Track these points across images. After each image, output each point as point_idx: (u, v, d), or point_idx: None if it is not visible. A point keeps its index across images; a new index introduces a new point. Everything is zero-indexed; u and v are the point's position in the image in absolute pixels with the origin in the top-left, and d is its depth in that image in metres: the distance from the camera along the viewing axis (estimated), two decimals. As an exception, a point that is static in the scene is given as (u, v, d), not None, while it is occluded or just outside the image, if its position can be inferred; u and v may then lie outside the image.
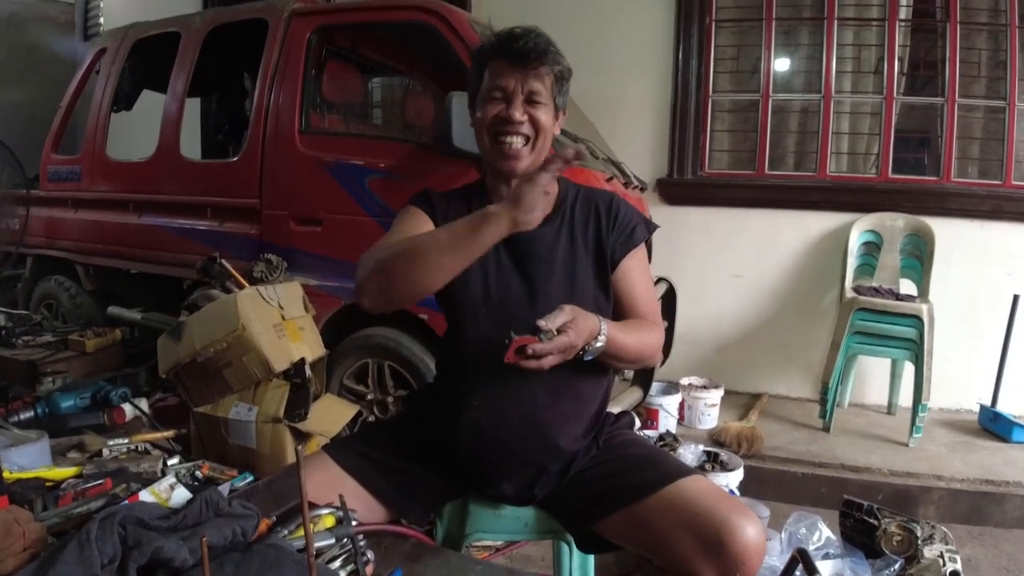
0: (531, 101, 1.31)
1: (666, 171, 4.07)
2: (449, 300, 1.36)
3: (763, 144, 3.98)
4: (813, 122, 3.98)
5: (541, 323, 1.10)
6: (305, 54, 2.97)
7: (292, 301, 2.52)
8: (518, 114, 1.30)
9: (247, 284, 2.59)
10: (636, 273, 1.39)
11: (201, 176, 3.35)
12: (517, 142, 1.32)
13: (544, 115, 1.32)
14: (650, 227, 1.46)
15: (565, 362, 1.26)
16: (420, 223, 1.37)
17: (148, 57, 3.75)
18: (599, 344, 1.19)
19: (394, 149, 2.81)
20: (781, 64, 4.12)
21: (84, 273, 3.81)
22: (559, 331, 1.12)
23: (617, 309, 1.39)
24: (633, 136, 4.00)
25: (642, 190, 3.52)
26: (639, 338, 1.30)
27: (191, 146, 3.96)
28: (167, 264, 3.35)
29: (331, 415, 2.45)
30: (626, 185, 3.12)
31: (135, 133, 3.78)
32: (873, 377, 3.77)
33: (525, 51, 1.29)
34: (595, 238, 1.38)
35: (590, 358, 1.20)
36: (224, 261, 2.65)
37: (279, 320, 2.39)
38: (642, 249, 1.42)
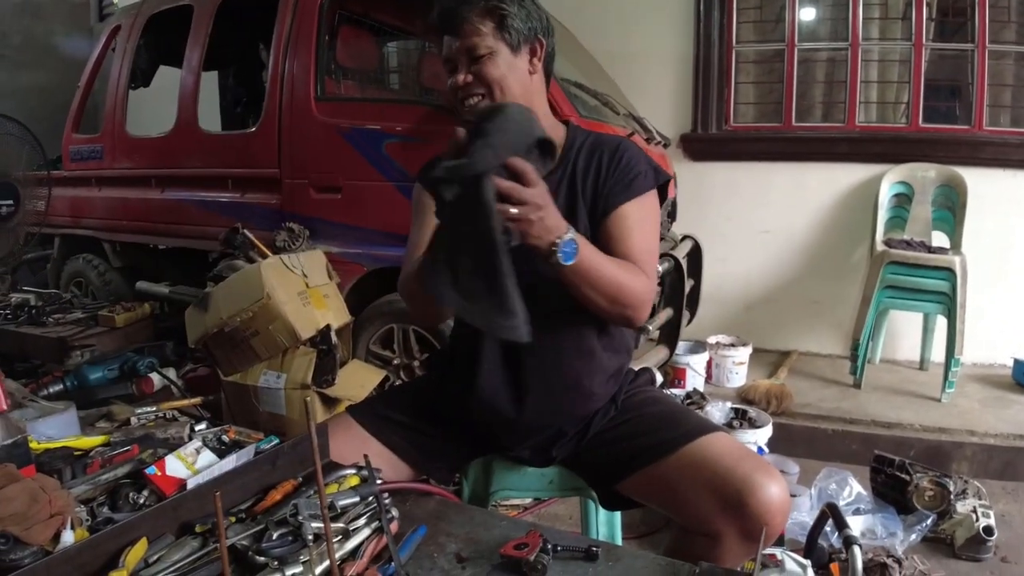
0: (475, 58, 1.24)
1: (690, 126, 3.98)
2: None
3: (789, 95, 3.86)
4: (840, 71, 3.85)
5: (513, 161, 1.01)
6: (318, 20, 2.94)
7: (316, 269, 2.54)
8: (461, 77, 1.25)
9: (270, 254, 2.62)
10: (632, 221, 1.27)
11: (221, 148, 3.36)
12: (473, 101, 1.26)
13: (491, 67, 1.24)
14: (659, 176, 1.33)
15: (579, 321, 1.26)
16: (424, 211, 1.33)
17: (163, 32, 3.75)
18: (568, 237, 1.08)
19: (410, 112, 2.79)
20: (806, 12, 3.98)
21: (111, 250, 3.87)
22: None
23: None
24: (655, 90, 3.90)
25: (665, 146, 3.46)
26: (617, 273, 1.18)
27: (211, 120, 3.97)
28: (192, 237, 3.39)
29: (358, 380, 2.48)
30: (648, 140, 3.07)
31: (154, 109, 3.80)
32: (905, 332, 3.69)
33: (446, 13, 1.25)
34: (593, 186, 1.30)
35: (565, 260, 1.08)
36: (247, 232, 2.67)
37: (303, 288, 2.41)
38: (646, 200, 1.30)
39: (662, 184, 1.35)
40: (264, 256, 2.59)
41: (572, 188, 1.30)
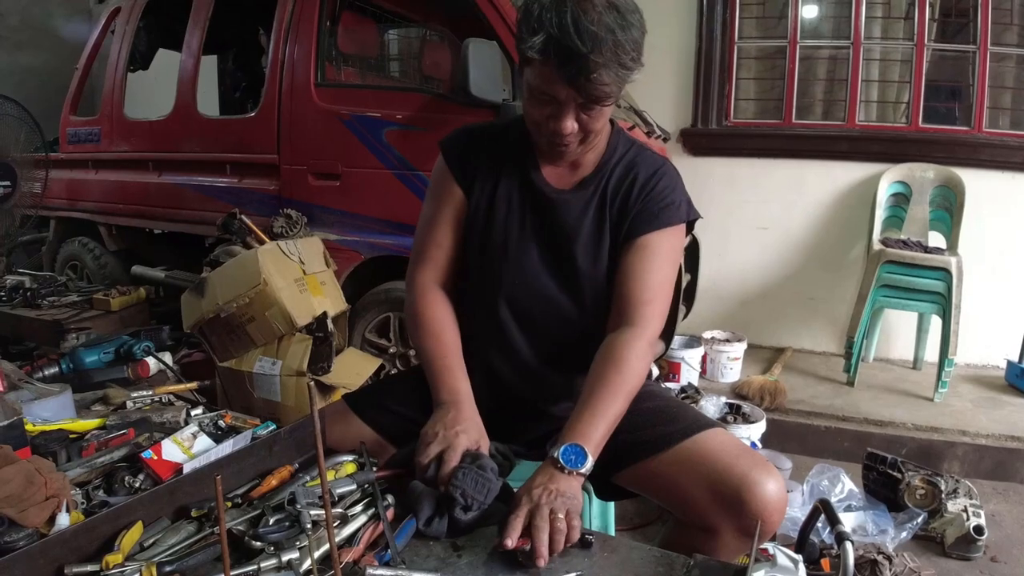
0: (587, 109, 1.13)
1: (690, 121, 3.97)
2: (470, 269, 1.33)
3: (790, 92, 3.86)
4: (842, 70, 3.84)
5: (507, 543, 0.93)
6: (319, 5, 2.92)
7: (313, 256, 2.53)
8: (569, 125, 1.14)
9: (267, 240, 2.61)
10: (649, 253, 1.22)
11: (219, 133, 3.34)
12: (565, 146, 1.19)
13: (600, 121, 1.16)
14: (691, 214, 1.27)
15: (581, 321, 1.29)
16: (449, 199, 1.31)
17: (162, 15, 3.71)
18: (586, 467, 1.05)
19: (410, 100, 2.77)
20: (809, 9, 3.96)
21: (107, 233, 3.84)
22: (535, 516, 0.97)
23: (614, 290, 1.26)
24: (656, 84, 3.88)
25: (665, 140, 3.45)
26: (621, 393, 1.14)
27: (210, 105, 3.94)
28: (188, 222, 3.37)
29: (354, 368, 2.48)
30: (649, 135, 3.06)
31: (152, 92, 3.77)
32: (899, 331, 3.70)
33: (571, 56, 1.05)
34: (620, 206, 1.25)
35: (589, 466, 1.07)
36: (244, 217, 2.65)
37: (300, 275, 2.40)
38: (672, 233, 1.24)
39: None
40: (261, 242, 2.58)
41: (601, 206, 1.26)
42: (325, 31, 2.94)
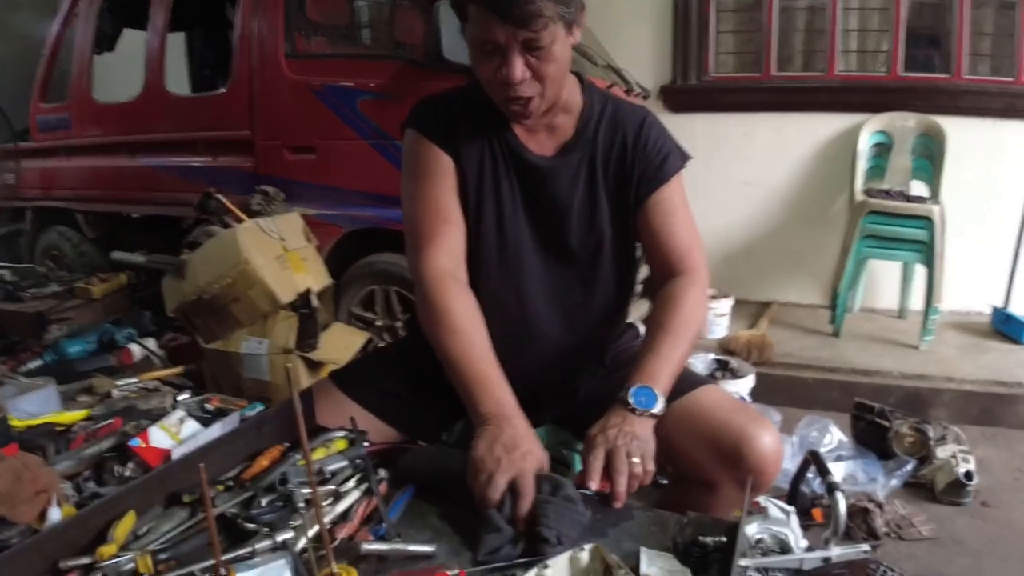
0: (532, 48, 1.06)
1: (669, 77, 3.92)
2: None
3: (769, 44, 3.81)
4: (820, 20, 3.79)
5: (592, 486, 0.96)
6: (285, -26, 2.84)
7: (293, 232, 2.50)
8: (518, 72, 1.07)
9: (246, 218, 2.56)
10: (669, 205, 1.22)
11: (190, 111, 3.28)
12: (521, 101, 1.12)
13: (551, 63, 1.09)
14: (683, 156, 1.27)
15: (576, 305, 1.27)
16: (441, 169, 1.21)
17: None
18: (659, 408, 1.06)
19: (383, 68, 2.71)
20: (786, -42, 3.90)
21: (84, 221, 3.79)
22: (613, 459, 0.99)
23: (649, 252, 1.26)
24: (634, 41, 3.83)
25: (644, 98, 3.41)
26: (685, 336, 1.15)
27: (180, 84, 3.85)
28: (165, 205, 3.32)
29: (342, 343, 2.47)
30: (627, 93, 3.03)
31: (121, 74, 3.67)
32: (884, 281, 3.72)
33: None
34: (617, 173, 1.23)
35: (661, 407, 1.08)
36: (220, 196, 2.61)
37: (281, 252, 2.37)
38: (677, 180, 1.24)
39: None
40: (239, 221, 2.54)
41: (592, 170, 1.23)
42: (292, 1, 2.86)
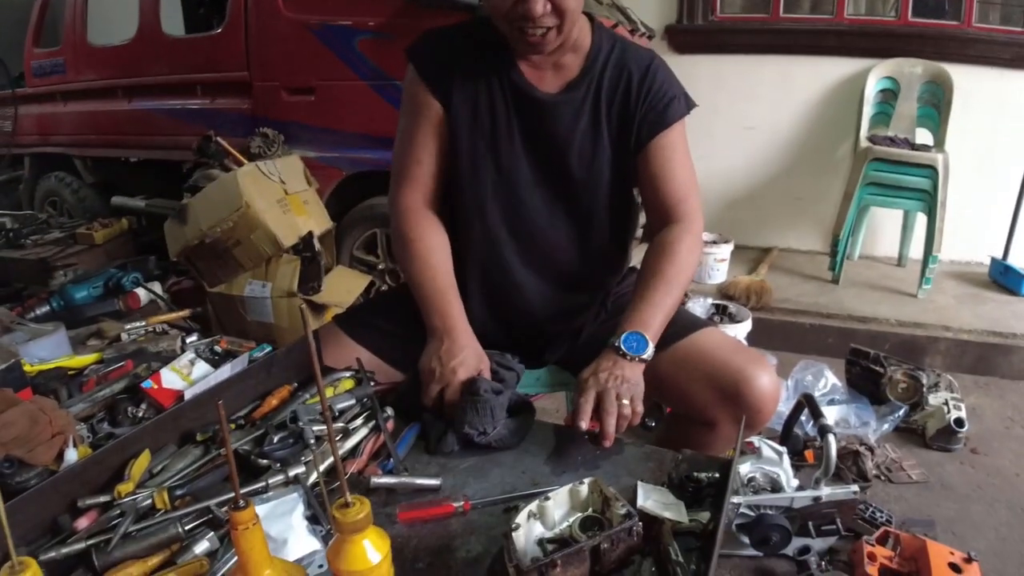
0: None
1: (675, 16, 3.84)
2: (458, 184, 1.27)
3: (777, -16, 3.72)
4: (831, -41, 3.70)
5: (582, 425, 1.01)
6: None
7: (293, 175, 2.49)
8: (539, 7, 1.07)
9: (246, 161, 2.55)
10: (668, 152, 1.23)
11: (186, 52, 3.21)
12: (539, 33, 1.11)
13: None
14: (688, 103, 1.27)
15: (577, 232, 1.28)
16: (426, 112, 1.23)
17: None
18: (648, 353, 1.10)
19: (382, 5, 2.64)
20: None
21: (83, 166, 3.76)
22: (603, 401, 1.03)
23: (646, 196, 1.28)
24: (639, -22, 3.74)
25: (650, 38, 3.35)
26: (676, 284, 1.18)
27: (174, 25, 3.76)
28: (164, 148, 3.29)
29: (344, 286, 2.49)
30: (632, 32, 2.97)
31: (115, 15, 3.59)
32: (884, 229, 3.73)
33: None
34: (620, 113, 1.22)
35: (650, 352, 1.11)
36: (220, 139, 2.59)
37: (282, 195, 2.37)
38: (679, 126, 1.25)
39: None
40: (239, 164, 2.53)
41: (596, 108, 1.23)
42: (289, -64, 2.78)
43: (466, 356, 1.12)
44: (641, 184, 1.27)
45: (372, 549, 0.62)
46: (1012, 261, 3.34)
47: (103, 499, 0.86)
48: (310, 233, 2.32)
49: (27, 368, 1.16)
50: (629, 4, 3.16)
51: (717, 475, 0.90)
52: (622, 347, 1.09)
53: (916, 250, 3.43)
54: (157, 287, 2.15)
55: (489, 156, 1.24)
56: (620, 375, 1.06)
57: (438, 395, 1.09)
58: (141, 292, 2.04)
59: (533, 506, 0.80)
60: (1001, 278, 3.34)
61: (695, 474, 0.90)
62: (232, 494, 0.72)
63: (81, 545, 0.79)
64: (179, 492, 0.87)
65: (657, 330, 1.13)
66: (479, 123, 1.23)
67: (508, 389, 1.10)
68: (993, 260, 3.43)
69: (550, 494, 0.82)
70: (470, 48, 1.24)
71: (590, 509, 0.83)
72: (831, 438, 1.27)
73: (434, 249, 1.25)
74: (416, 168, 1.26)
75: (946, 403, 2.23)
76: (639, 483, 0.89)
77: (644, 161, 1.24)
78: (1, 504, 0.58)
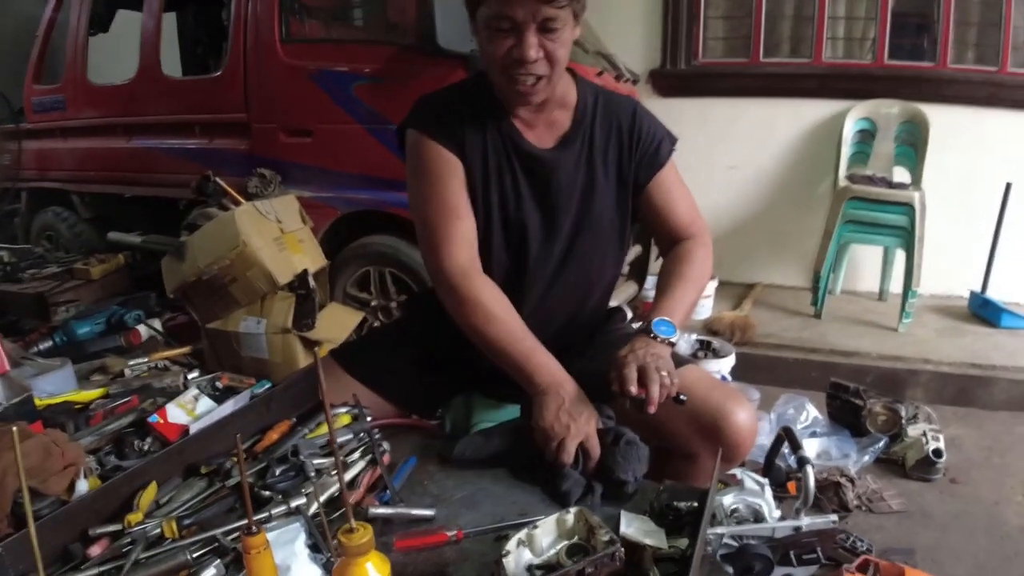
0: (546, 29, 1.13)
1: (659, 61, 3.98)
2: None
3: (757, 30, 3.87)
4: (808, 6, 3.84)
5: (632, 390, 1.10)
6: (280, -43, 2.86)
7: (289, 214, 2.55)
8: (532, 52, 1.12)
9: (243, 200, 2.61)
10: (668, 185, 1.36)
11: (186, 93, 3.29)
12: (530, 80, 1.17)
13: (563, 47, 1.16)
14: (672, 139, 1.39)
15: (573, 287, 1.37)
16: (449, 168, 1.26)
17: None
18: (676, 337, 1.21)
19: (378, 53, 2.74)
20: (775, -55, 3.94)
21: (80, 201, 3.80)
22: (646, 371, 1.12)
23: (656, 226, 1.40)
24: (624, 25, 3.88)
25: (634, 82, 3.46)
26: (695, 283, 1.31)
27: (170, 62, 3.86)
28: (161, 186, 3.35)
29: (338, 322, 2.53)
30: (617, 78, 3.07)
31: (115, 55, 3.67)
32: (866, 264, 3.82)
33: None
34: (616, 162, 1.33)
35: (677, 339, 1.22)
36: (218, 179, 2.65)
37: (279, 234, 2.43)
38: (672, 162, 1.36)
39: None
40: (237, 203, 2.58)
41: (591, 159, 1.32)
42: (287, -16, 2.89)
43: (587, 407, 1.17)
44: (649, 218, 1.39)
45: (375, 572, 0.67)
46: (991, 294, 3.43)
47: (113, 528, 0.90)
48: (305, 271, 2.37)
49: (36, 402, 1.20)
50: (614, 49, 3.28)
51: (696, 504, 0.96)
52: (653, 330, 1.19)
53: (897, 285, 3.50)
54: (157, 323, 2.19)
55: (499, 211, 1.30)
56: (656, 353, 1.15)
57: (577, 449, 1.11)
58: (142, 328, 2.08)
59: (522, 534, 0.85)
60: (980, 311, 3.42)
61: (675, 503, 0.96)
62: (237, 523, 0.77)
63: (94, 572, 0.83)
64: (186, 522, 0.92)
65: (681, 319, 1.25)
66: (489, 176, 1.29)
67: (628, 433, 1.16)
68: (972, 293, 3.51)
69: (538, 523, 0.87)
70: (466, 105, 1.30)
71: (576, 537, 0.88)
72: (809, 469, 1.33)
73: (506, 308, 1.25)
74: (458, 224, 1.26)
75: (924, 434, 2.28)
76: (622, 512, 0.95)
77: (648, 199, 1.36)
78: (34, 536, 0.62)
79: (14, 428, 0.68)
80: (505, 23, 1.12)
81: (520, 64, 1.14)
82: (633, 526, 0.91)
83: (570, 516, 0.88)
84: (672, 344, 1.19)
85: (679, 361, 1.35)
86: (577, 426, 1.11)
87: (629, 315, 1.42)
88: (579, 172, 1.31)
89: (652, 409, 1.09)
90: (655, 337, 1.18)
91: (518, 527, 0.88)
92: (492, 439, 1.18)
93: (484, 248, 1.31)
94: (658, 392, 1.10)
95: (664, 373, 1.12)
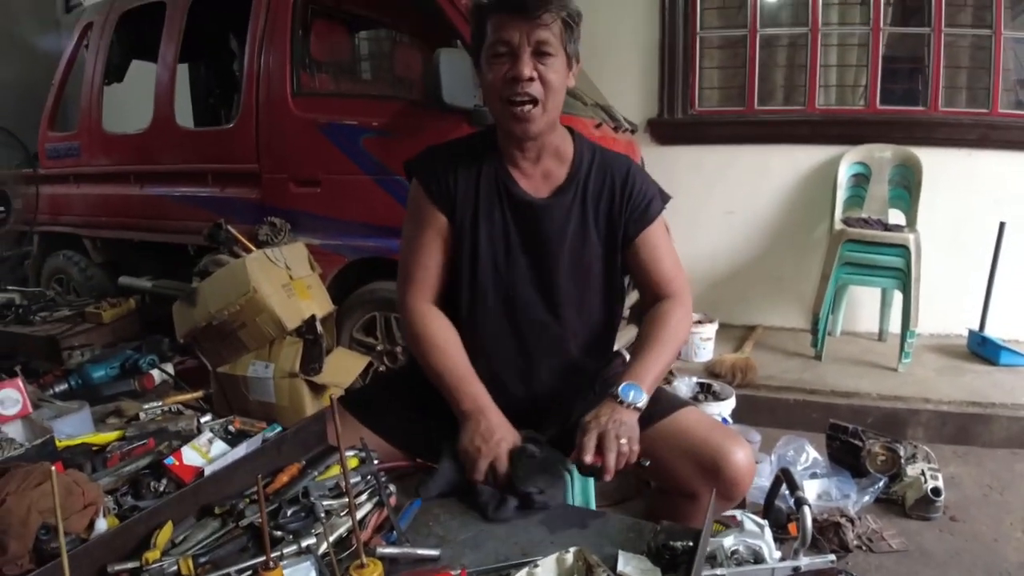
0: (540, 53, 1.25)
1: (656, 111, 4.10)
2: (460, 283, 1.41)
3: (752, 79, 4.00)
4: (801, 55, 3.99)
5: (586, 459, 1.16)
6: (292, 14, 2.99)
7: (298, 261, 2.62)
8: (527, 70, 1.24)
9: (253, 248, 2.68)
10: (654, 242, 1.41)
11: (199, 144, 3.40)
12: (526, 106, 1.27)
13: (554, 73, 1.27)
14: (664, 198, 1.46)
15: (567, 334, 1.42)
16: (430, 222, 1.38)
17: (135, 27, 3.75)
18: (642, 403, 1.25)
19: (386, 107, 2.86)
20: (768, -3, 4.10)
21: (92, 246, 3.88)
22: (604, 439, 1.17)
23: (640, 282, 1.46)
24: (622, 77, 4.01)
25: (632, 132, 3.56)
26: (668, 346, 1.35)
27: (182, 112, 3.99)
28: (173, 232, 3.43)
29: (344, 367, 2.57)
30: (616, 129, 3.17)
31: (129, 104, 3.80)
32: (864, 305, 3.87)
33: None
34: (607, 214, 1.39)
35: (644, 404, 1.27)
36: (230, 227, 2.73)
37: (287, 280, 2.49)
38: (660, 220, 1.42)
39: None
40: (247, 250, 2.65)
41: (583, 209, 1.39)
42: (298, 40, 3.02)
43: (504, 432, 1.25)
44: (634, 271, 1.45)
45: (383, 606, 0.71)
46: (989, 332, 3.46)
47: (131, 565, 0.94)
48: (313, 316, 2.42)
49: (57, 443, 1.25)
50: (612, 99, 3.39)
51: (691, 543, 0.99)
52: (620, 395, 1.23)
53: (895, 325, 3.55)
54: (169, 367, 2.24)
55: (489, 257, 1.38)
56: (619, 419, 1.20)
57: (488, 468, 1.19)
58: (155, 372, 2.13)
59: (523, 573, 0.89)
60: (979, 349, 3.45)
61: (671, 543, 0.99)
62: (251, 561, 0.81)
63: (116, 608, 0.87)
64: (202, 560, 0.96)
65: (650, 385, 1.28)
66: (480, 228, 1.37)
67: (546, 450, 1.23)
68: (971, 332, 3.55)
69: (539, 562, 0.91)
70: (469, 163, 1.39)
71: (575, 575, 0.92)
72: (807, 509, 1.37)
73: (449, 341, 1.37)
74: (422, 272, 1.40)
75: (923, 473, 2.31)
76: (620, 551, 0.98)
77: (634, 253, 1.42)
78: (67, 568, 0.67)
79: (52, 468, 0.73)
80: (502, 47, 1.25)
81: (516, 82, 1.25)
82: (630, 565, 0.94)
83: (569, 556, 0.92)
84: (639, 409, 1.24)
85: (678, 403, 1.40)
86: (488, 447, 1.21)
87: (628, 358, 1.46)
88: (570, 221, 1.38)
89: (608, 477, 1.15)
90: (622, 402, 1.23)
91: (519, 566, 0.91)
92: (451, 470, 1.25)
93: (475, 292, 1.39)
94: (614, 461, 1.15)
95: (623, 441, 1.17)
